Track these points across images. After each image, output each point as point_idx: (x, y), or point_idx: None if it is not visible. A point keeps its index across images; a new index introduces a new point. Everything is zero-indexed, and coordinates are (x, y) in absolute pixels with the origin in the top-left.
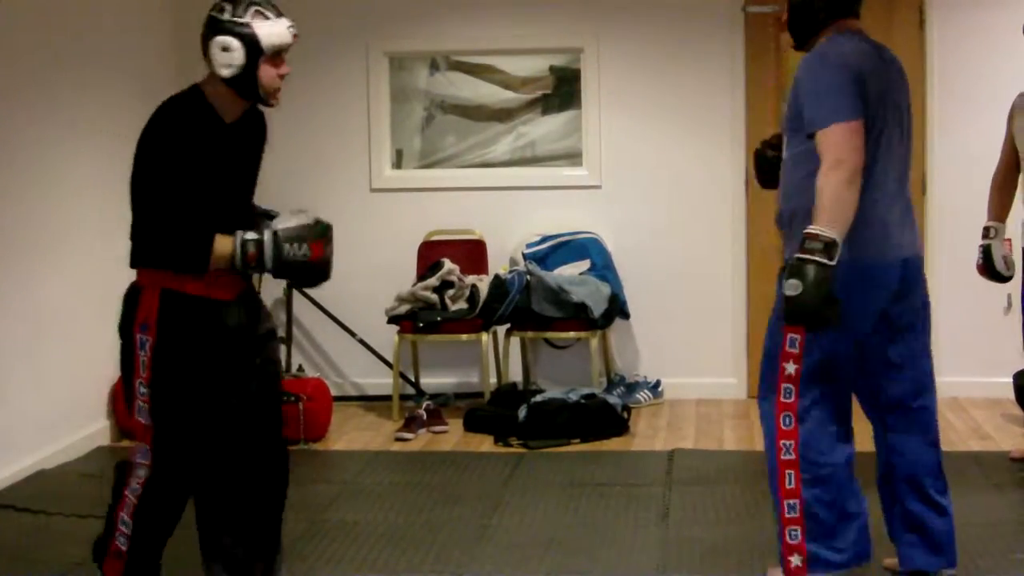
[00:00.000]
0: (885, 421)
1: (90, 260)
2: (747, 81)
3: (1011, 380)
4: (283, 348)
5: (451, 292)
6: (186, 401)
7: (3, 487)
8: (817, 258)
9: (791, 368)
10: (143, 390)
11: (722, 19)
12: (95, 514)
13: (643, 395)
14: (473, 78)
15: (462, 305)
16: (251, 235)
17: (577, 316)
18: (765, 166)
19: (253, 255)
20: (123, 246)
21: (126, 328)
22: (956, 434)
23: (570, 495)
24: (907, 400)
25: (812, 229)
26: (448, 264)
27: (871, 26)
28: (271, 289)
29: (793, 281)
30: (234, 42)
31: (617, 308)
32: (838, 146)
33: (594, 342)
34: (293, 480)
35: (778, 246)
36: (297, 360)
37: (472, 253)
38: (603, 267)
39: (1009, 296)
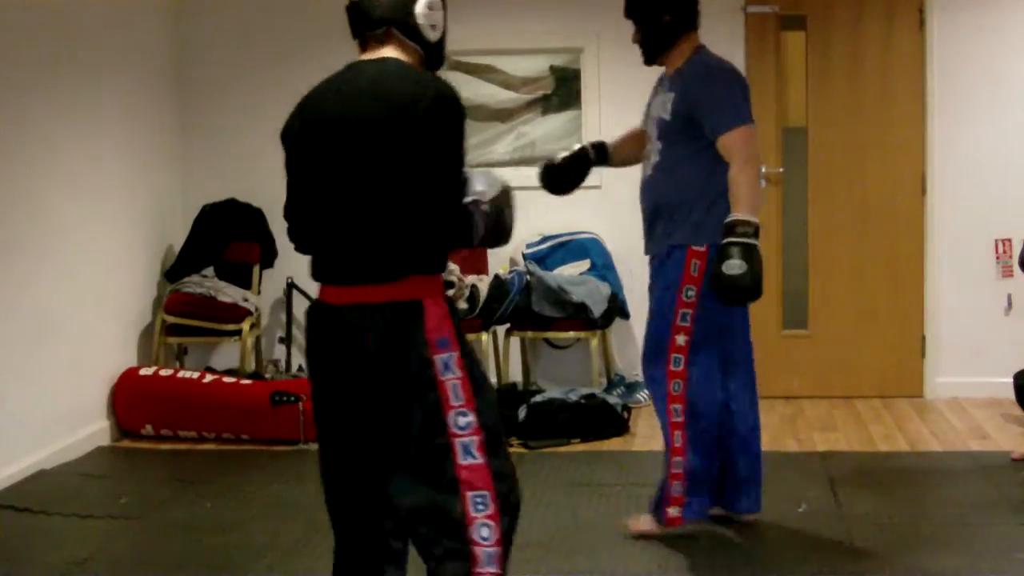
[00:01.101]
0: (728, 385)
1: (90, 260)
2: (747, 81)
3: (1011, 380)
4: (283, 348)
5: (451, 292)
6: (496, 417)
7: (3, 487)
8: (753, 241)
9: (681, 340)
10: (464, 420)
11: (722, 19)
12: (95, 514)
13: (643, 395)
14: (473, 78)
15: (462, 305)
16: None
17: (577, 316)
18: (557, 176)
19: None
20: (123, 246)
21: (416, 355)
22: (956, 434)
23: (570, 495)
24: (749, 358)
25: (738, 216)
26: (448, 264)
27: (871, 26)
28: (271, 289)
29: (737, 262)
30: (437, 1)
31: (617, 308)
32: (747, 146)
33: (594, 342)
34: (293, 480)
35: (777, 244)
36: (297, 360)
37: (472, 253)
38: (603, 267)
39: (1009, 296)
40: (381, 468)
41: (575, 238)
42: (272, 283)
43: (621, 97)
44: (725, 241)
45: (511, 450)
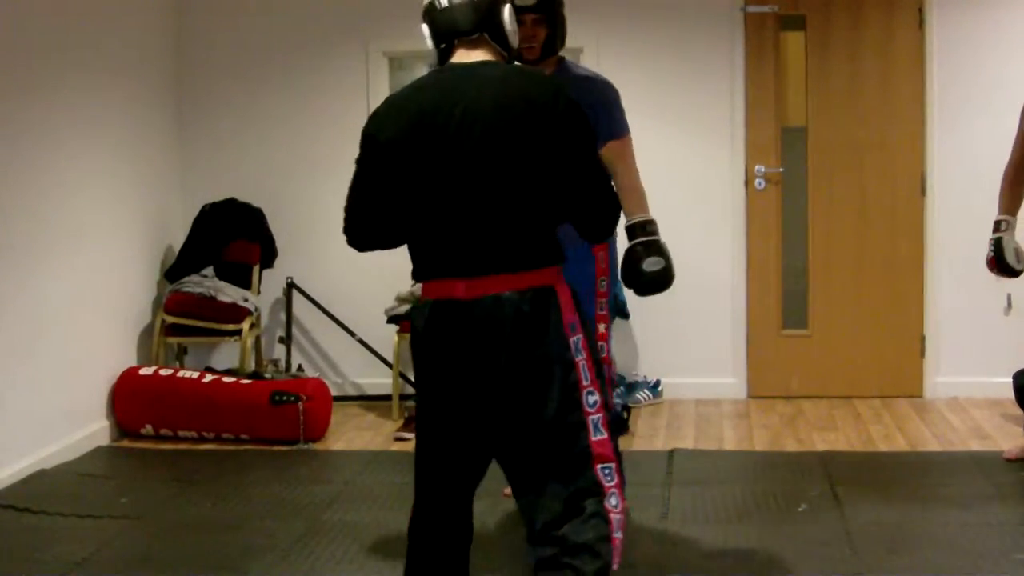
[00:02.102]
0: None
1: (90, 260)
2: (747, 81)
3: (1011, 380)
4: (283, 348)
5: None
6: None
7: (3, 487)
8: (660, 237)
9: (602, 327)
10: (592, 399)
11: (722, 19)
12: (95, 514)
13: (643, 395)
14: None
15: None
16: None
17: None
18: None
19: None
20: (122, 246)
21: (557, 338)
22: (956, 434)
23: None
24: None
25: (643, 217)
26: None
27: (871, 26)
28: (271, 289)
29: (655, 258)
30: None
31: (617, 308)
32: (631, 150)
33: None
34: (293, 480)
35: (777, 244)
36: (297, 360)
37: None
38: None
39: (1009, 296)
40: (500, 452)
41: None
42: (272, 283)
43: (621, 97)
44: (642, 240)
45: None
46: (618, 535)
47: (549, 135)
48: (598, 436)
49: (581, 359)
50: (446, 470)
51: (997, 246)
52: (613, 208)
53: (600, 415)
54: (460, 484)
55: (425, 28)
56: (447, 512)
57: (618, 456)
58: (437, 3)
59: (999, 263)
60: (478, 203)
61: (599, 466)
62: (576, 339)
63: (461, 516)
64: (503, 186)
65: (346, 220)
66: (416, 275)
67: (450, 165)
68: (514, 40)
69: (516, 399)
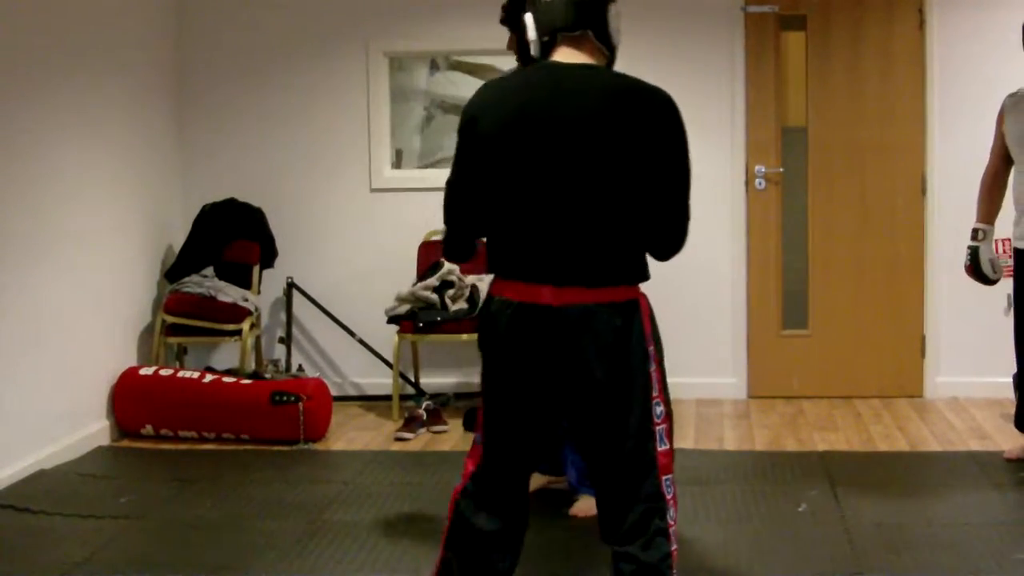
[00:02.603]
0: None
1: (90, 260)
2: (747, 81)
3: (1011, 380)
4: (283, 348)
5: (451, 292)
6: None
7: (3, 487)
8: None
9: None
10: (659, 410)
11: (722, 19)
12: (95, 514)
13: None
14: (473, 78)
15: (462, 305)
16: None
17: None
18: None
19: None
20: (122, 246)
21: (637, 349)
22: (956, 434)
23: (570, 495)
24: None
25: None
26: (448, 264)
27: (871, 26)
28: (271, 289)
29: None
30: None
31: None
32: None
33: None
34: (293, 480)
35: (777, 244)
36: (297, 360)
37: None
38: None
39: (1009, 296)
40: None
41: None
42: (272, 283)
43: None
44: None
45: None
46: (675, 547)
47: (647, 144)
48: (663, 447)
49: (653, 370)
50: (511, 467)
51: (973, 256)
52: (687, 228)
53: (665, 426)
54: (520, 472)
55: (529, 18)
56: (507, 494)
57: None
58: None
59: (975, 272)
60: (573, 212)
61: (663, 477)
62: (651, 350)
63: (520, 500)
64: (600, 197)
65: (446, 211)
66: (493, 270)
67: (548, 169)
68: (618, 40)
69: (599, 407)
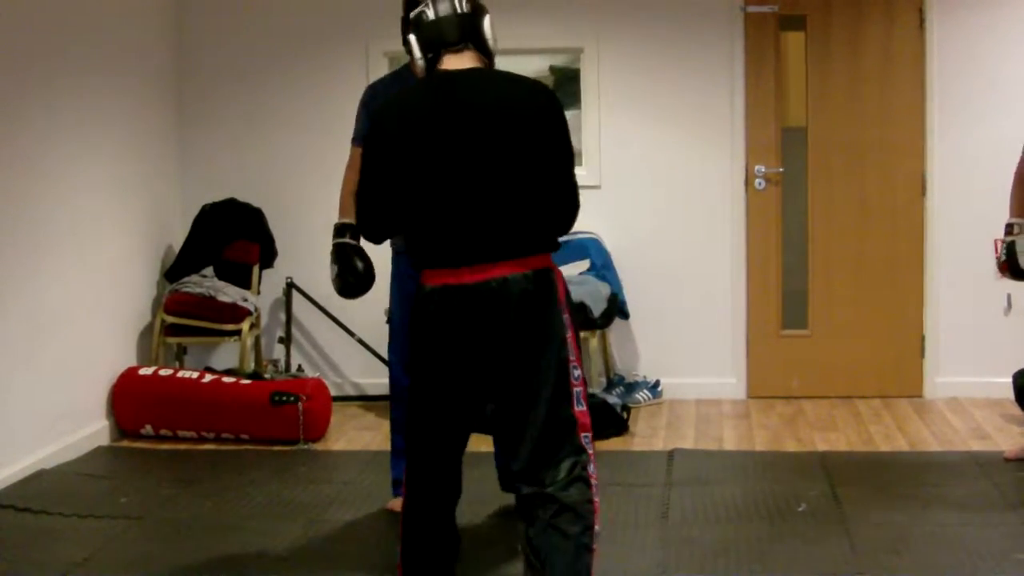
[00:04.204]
0: None
1: (90, 260)
2: (747, 81)
3: (1011, 380)
4: (283, 348)
5: None
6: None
7: (3, 487)
8: (339, 240)
9: None
10: (576, 372)
11: (722, 19)
12: (95, 514)
13: (642, 395)
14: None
15: None
16: None
17: (576, 316)
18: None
19: None
20: (122, 246)
21: (552, 313)
22: (956, 434)
23: None
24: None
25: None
26: None
27: (871, 26)
28: (271, 289)
29: (333, 267)
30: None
31: (617, 308)
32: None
33: (593, 342)
34: (293, 480)
35: (777, 245)
36: (297, 360)
37: None
38: (603, 267)
39: (1009, 296)
40: (504, 409)
41: (574, 238)
42: (272, 283)
43: (621, 97)
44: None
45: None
46: (597, 499)
47: (537, 129)
48: (580, 407)
49: (568, 335)
50: (439, 434)
51: (1010, 250)
52: (576, 202)
53: (582, 388)
54: (451, 446)
55: (413, 39)
56: (438, 469)
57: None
58: (424, 17)
59: (1012, 267)
60: (478, 198)
61: (582, 434)
62: (566, 316)
63: (451, 474)
64: (500, 181)
65: (358, 214)
66: (417, 266)
67: (452, 163)
68: (495, 46)
69: (519, 368)
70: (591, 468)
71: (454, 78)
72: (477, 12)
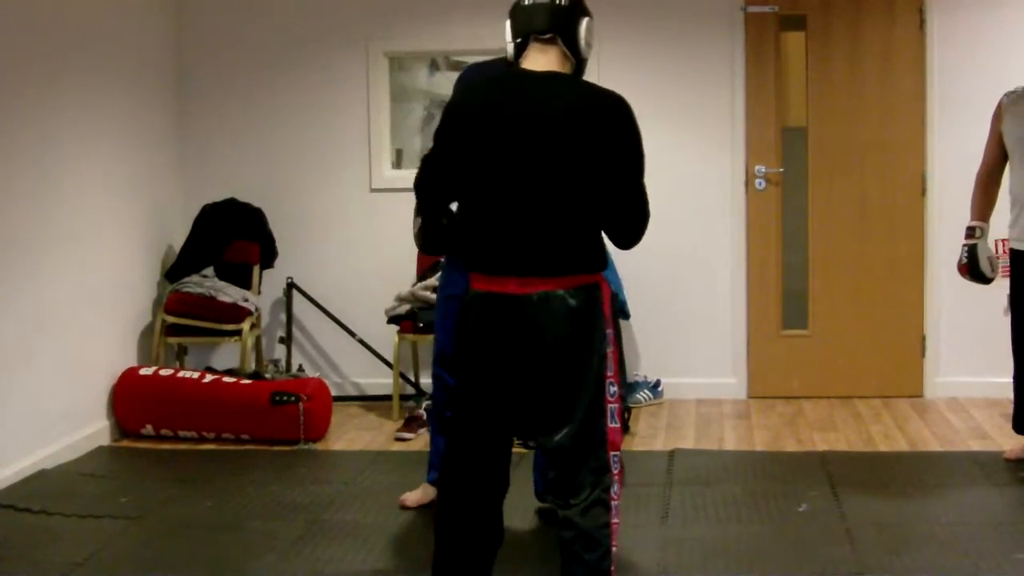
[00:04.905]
0: None
1: (90, 260)
2: (747, 81)
3: (1011, 381)
4: (283, 348)
5: None
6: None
7: (3, 487)
8: None
9: None
10: (613, 389)
11: (722, 19)
12: (95, 514)
13: (643, 395)
14: None
15: None
16: None
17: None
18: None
19: None
20: (123, 246)
21: (595, 330)
22: (956, 434)
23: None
24: None
25: None
26: None
27: (871, 26)
28: (271, 289)
29: None
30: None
31: (617, 308)
32: None
33: None
34: (293, 480)
35: (777, 244)
36: (297, 360)
37: None
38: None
39: (1009, 296)
40: (543, 420)
41: None
42: (272, 283)
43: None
44: None
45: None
46: (616, 521)
47: (604, 142)
48: (613, 423)
49: (610, 351)
50: (479, 434)
51: (971, 253)
52: (647, 218)
53: (617, 405)
54: (492, 446)
55: (507, 24)
56: (478, 468)
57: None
58: (521, 2)
59: (972, 270)
60: (535, 209)
61: (611, 452)
62: (609, 332)
63: (494, 471)
64: (560, 194)
65: (417, 180)
66: (469, 266)
67: (514, 170)
68: (587, 52)
69: (556, 384)
70: (614, 489)
71: (528, 78)
72: (576, 8)
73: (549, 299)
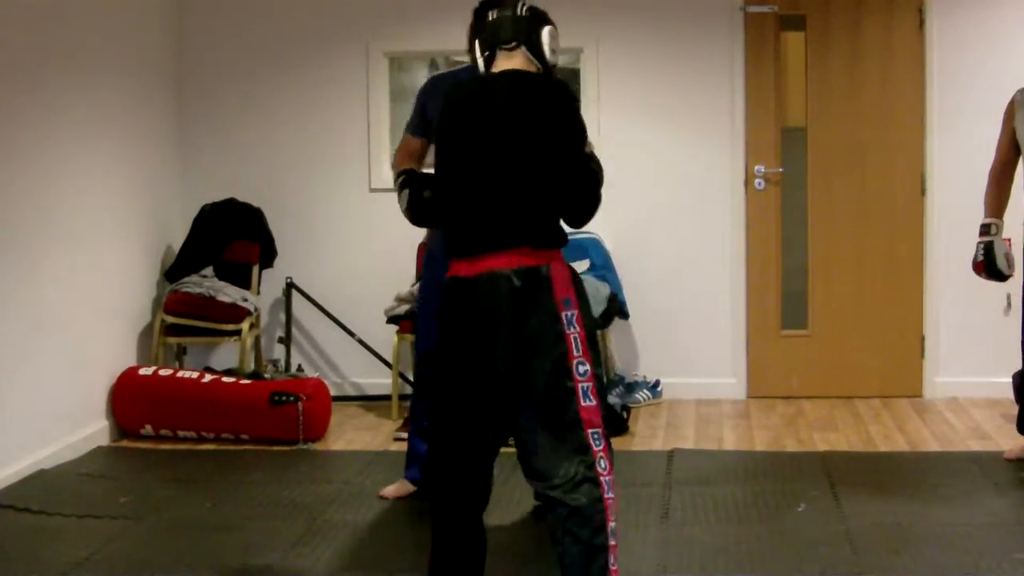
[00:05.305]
0: None
1: (90, 260)
2: (747, 81)
3: (1011, 380)
4: (282, 348)
5: None
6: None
7: (3, 487)
8: None
9: None
10: (584, 368)
11: (722, 19)
12: (95, 514)
13: (642, 395)
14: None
15: None
16: None
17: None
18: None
19: None
20: (122, 246)
21: (545, 311)
22: (956, 434)
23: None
24: None
25: None
26: None
27: (871, 26)
28: (271, 289)
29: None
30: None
31: (616, 308)
32: None
33: None
34: (293, 480)
35: (777, 244)
36: (296, 360)
37: None
38: (603, 267)
39: (1009, 296)
40: (508, 406)
41: (574, 238)
42: (271, 283)
43: (621, 97)
44: None
45: (511, 450)
46: (610, 496)
47: (548, 125)
48: (587, 403)
49: (573, 332)
50: (459, 430)
51: (988, 251)
52: (596, 195)
53: (591, 383)
54: (472, 444)
55: (476, 44)
56: (459, 467)
57: (606, 418)
58: (488, 18)
59: (989, 268)
60: (485, 190)
61: (589, 431)
62: (569, 314)
63: (475, 473)
64: (507, 174)
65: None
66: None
67: (471, 157)
68: (553, 58)
69: (512, 368)
70: (601, 465)
71: (492, 78)
72: (535, 18)
73: (495, 278)
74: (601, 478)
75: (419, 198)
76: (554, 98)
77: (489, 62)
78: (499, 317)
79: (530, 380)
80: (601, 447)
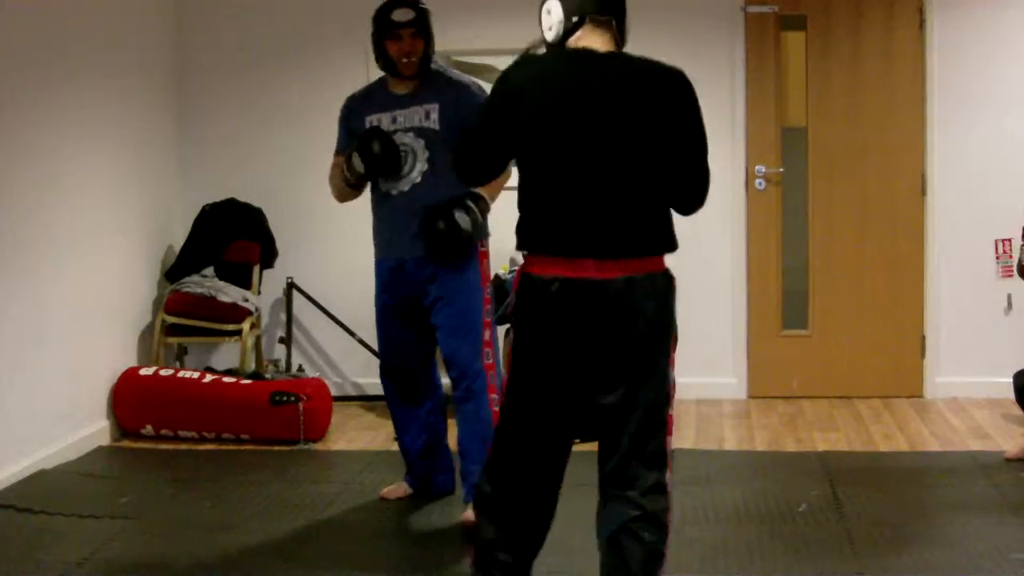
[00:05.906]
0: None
1: (90, 260)
2: (747, 81)
3: (1011, 380)
4: (283, 348)
5: None
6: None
7: (3, 487)
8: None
9: (487, 334)
10: (671, 375)
11: (722, 19)
12: (95, 514)
13: None
14: (473, 78)
15: None
16: None
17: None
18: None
19: None
20: (123, 246)
21: (668, 317)
22: (956, 434)
23: (570, 495)
24: None
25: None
26: None
27: (871, 26)
28: (271, 289)
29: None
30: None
31: None
32: None
33: None
34: (293, 480)
35: (777, 244)
36: (297, 360)
37: None
38: None
39: (1009, 296)
40: (602, 414)
41: None
42: (272, 283)
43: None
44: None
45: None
46: (669, 507)
47: (671, 120)
48: (671, 410)
49: (669, 341)
50: (539, 436)
51: None
52: (703, 189)
53: (673, 392)
54: (552, 451)
55: (555, 4)
56: (532, 482)
57: None
58: None
59: None
60: (609, 188)
61: (668, 439)
62: (668, 321)
63: (546, 494)
64: (635, 172)
65: (461, 155)
66: (529, 247)
67: (586, 149)
68: (628, 30)
69: (631, 371)
70: (667, 476)
71: (594, 59)
72: None
73: (633, 285)
74: (668, 488)
75: (368, 149)
76: (682, 91)
77: (570, 32)
78: (630, 322)
79: (644, 387)
80: (670, 460)
